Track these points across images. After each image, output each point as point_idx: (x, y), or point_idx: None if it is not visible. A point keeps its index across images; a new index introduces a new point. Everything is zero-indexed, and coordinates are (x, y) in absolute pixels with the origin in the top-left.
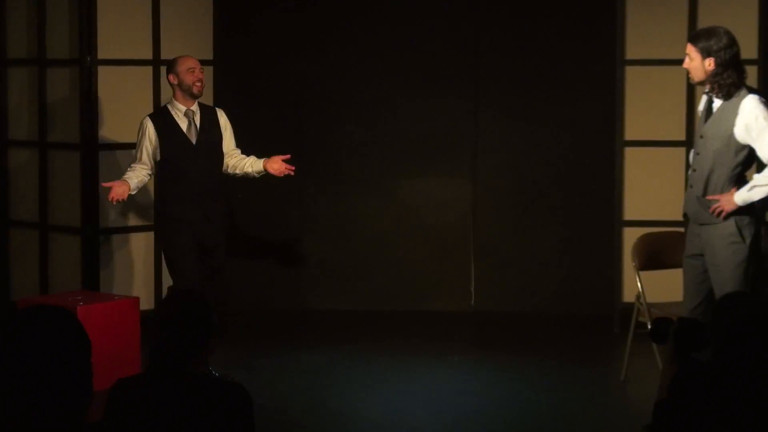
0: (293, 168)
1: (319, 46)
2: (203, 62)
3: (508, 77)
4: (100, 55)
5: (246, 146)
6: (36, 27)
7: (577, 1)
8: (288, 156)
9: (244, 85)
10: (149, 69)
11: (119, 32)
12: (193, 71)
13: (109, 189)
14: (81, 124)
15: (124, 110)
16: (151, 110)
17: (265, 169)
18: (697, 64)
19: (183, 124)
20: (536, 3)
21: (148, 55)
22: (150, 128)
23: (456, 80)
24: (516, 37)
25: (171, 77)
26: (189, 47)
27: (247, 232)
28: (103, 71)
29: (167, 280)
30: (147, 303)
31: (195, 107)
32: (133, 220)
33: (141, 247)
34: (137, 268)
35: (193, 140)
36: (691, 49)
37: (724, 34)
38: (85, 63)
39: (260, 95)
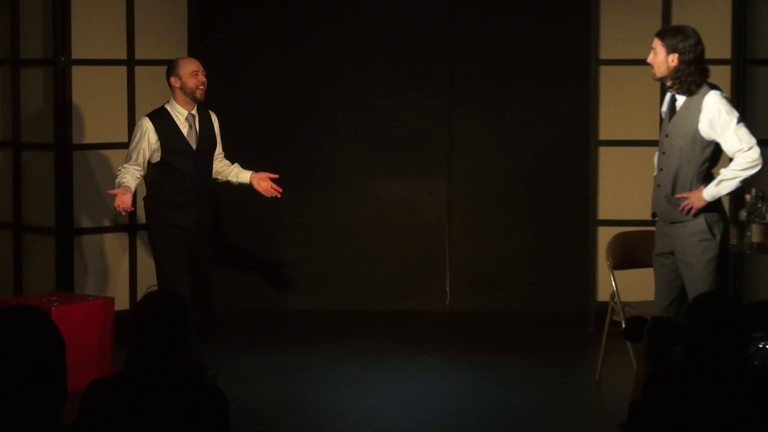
0: (281, 190)
1: (294, 46)
2: None
3: (483, 77)
4: (74, 55)
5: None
6: (9, 27)
7: (552, 1)
8: (276, 176)
9: (218, 85)
10: (123, 69)
11: (93, 32)
12: (196, 75)
13: (113, 196)
14: (55, 124)
15: (99, 110)
16: (125, 111)
17: (251, 184)
18: (661, 58)
19: (184, 128)
20: (511, 3)
21: (123, 55)
22: (150, 129)
23: (431, 80)
24: (490, 37)
25: (173, 80)
26: (163, 47)
27: (222, 232)
28: (77, 71)
29: (143, 281)
30: (122, 303)
31: (194, 111)
32: (107, 221)
33: (116, 247)
34: (112, 268)
35: (194, 145)
36: (657, 44)
37: (692, 33)
38: (59, 63)
39: (235, 95)
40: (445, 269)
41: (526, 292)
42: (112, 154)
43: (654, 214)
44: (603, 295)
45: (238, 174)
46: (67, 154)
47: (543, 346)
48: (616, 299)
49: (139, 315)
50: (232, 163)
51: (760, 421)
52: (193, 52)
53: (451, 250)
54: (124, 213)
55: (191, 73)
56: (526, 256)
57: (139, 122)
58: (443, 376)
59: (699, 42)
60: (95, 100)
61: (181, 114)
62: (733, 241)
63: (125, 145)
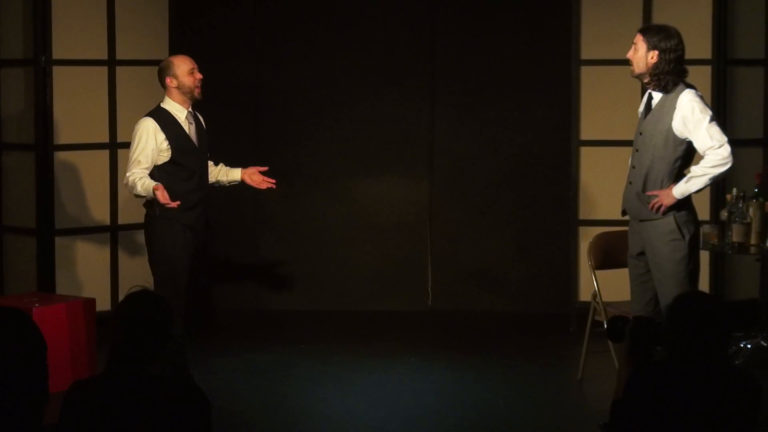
0: (274, 181)
1: (276, 47)
2: (158, 62)
3: (465, 77)
4: (55, 56)
5: None
6: None
7: (533, 2)
8: (266, 168)
9: None
10: (104, 69)
11: (74, 32)
12: (192, 73)
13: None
14: (36, 124)
15: (79, 111)
16: (106, 111)
17: (242, 180)
18: (641, 55)
19: (186, 126)
20: (492, 3)
21: (104, 55)
22: (157, 129)
23: (412, 80)
24: (472, 37)
25: (168, 80)
26: (144, 47)
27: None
28: (58, 71)
29: (124, 281)
30: (103, 304)
31: (191, 109)
32: (88, 221)
33: (97, 248)
34: (93, 269)
35: (196, 143)
36: (639, 39)
37: (674, 33)
38: (39, 63)
39: (216, 95)
40: (427, 269)
41: (508, 292)
42: (93, 155)
43: (624, 212)
44: (585, 295)
45: (228, 173)
46: (48, 155)
47: (525, 346)
48: (597, 299)
49: (120, 315)
50: (216, 163)
51: (740, 419)
52: (173, 52)
53: (433, 251)
54: (176, 206)
55: (188, 71)
56: (508, 256)
57: (142, 123)
58: (425, 376)
59: (680, 43)
60: (76, 101)
61: (180, 112)
62: (713, 240)
63: (106, 146)
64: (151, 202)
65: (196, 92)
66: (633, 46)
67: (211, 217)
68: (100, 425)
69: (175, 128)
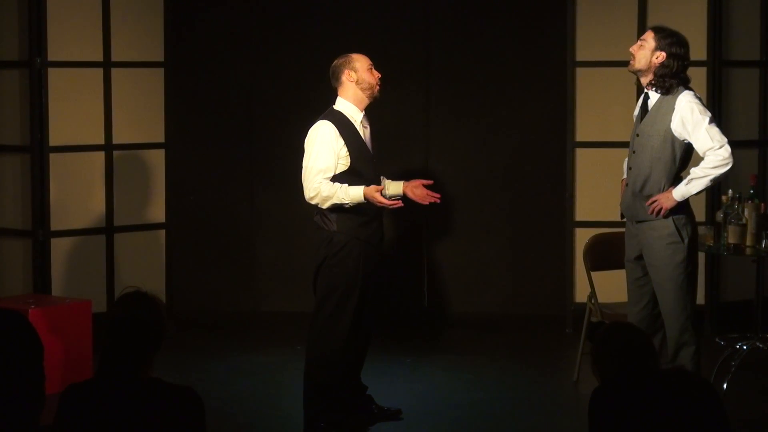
0: (438, 196)
1: (270, 47)
2: (154, 64)
3: (460, 79)
4: (50, 57)
5: (198, 148)
6: None
7: (528, 3)
8: (431, 182)
9: (195, 87)
10: (99, 71)
11: (69, 34)
12: (372, 69)
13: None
14: (31, 126)
15: (75, 112)
16: (101, 113)
17: (404, 194)
18: (646, 53)
19: (361, 131)
20: (487, 4)
21: (99, 57)
22: (336, 134)
23: (407, 82)
24: (467, 39)
25: (347, 74)
26: (139, 49)
27: (198, 232)
28: (53, 73)
29: (120, 283)
30: (99, 306)
31: (364, 112)
32: (84, 223)
33: (93, 249)
34: (89, 270)
35: (371, 149)
36: (649, 36)
37: (685, 42)
38: (35, 65)
39: (211, 96)
40: (423, 270)
41: (504, 293)
42: (88, 156)
43: (622, 215)
44: (581, 297)
45: (389, 186)
46: (43, 157)
47: (521, 348)
48: (593, 300)
49: (111, 318)
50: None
51: (710, 420)
52: (168, 54)
53: (429, 252)
54: (401, 205)
55: (368, 67)
56: (504, 257)
57: (320, 128)
58: (421, 377)
59: (688, 52)
60: (71, 102)
61: (356, 115)
62: (709, 242)
63: (102, 148)
64: (324, 217)
65: (377, 89)
66: (640, 41)
67: (205, 218)
68: (95, 428)
69: (353, 133)
